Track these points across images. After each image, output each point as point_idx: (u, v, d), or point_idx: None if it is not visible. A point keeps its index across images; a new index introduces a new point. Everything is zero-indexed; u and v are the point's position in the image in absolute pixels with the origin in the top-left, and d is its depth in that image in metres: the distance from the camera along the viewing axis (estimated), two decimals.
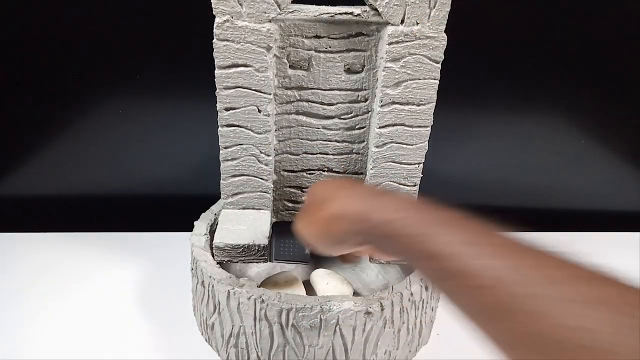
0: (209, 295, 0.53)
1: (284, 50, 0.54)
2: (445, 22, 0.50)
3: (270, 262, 0.58)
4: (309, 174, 0.61)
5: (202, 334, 0.59)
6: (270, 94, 0.53)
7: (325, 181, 0.47)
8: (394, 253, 0.35)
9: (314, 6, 0.51)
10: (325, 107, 0.57)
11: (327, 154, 0.60)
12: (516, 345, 0.26)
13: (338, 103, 0.57)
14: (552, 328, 0.24)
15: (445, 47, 0.51)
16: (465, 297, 0.29)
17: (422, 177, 0.60)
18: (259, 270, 0.69)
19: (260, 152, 0.56)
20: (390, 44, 0.51)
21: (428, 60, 0.52)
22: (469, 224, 0.32)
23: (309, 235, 0.42)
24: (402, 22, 0.50)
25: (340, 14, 0.51)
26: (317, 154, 0.60)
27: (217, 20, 0.49)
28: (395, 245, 0.34)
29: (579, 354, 0.23)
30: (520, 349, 0.26)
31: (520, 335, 0.26)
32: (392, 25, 0.50)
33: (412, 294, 0.51)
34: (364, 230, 0.36)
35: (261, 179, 0.58)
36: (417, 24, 0.50)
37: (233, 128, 0.54)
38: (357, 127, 0.59)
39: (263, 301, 0.48)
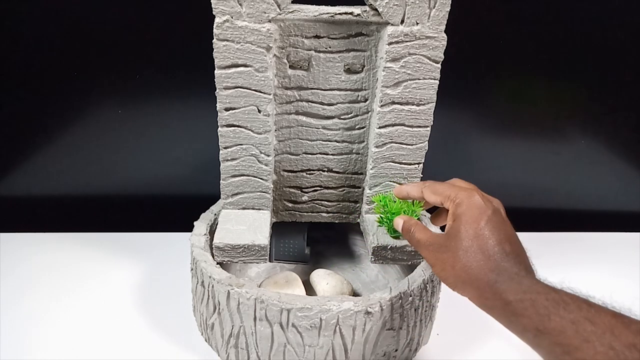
0: (208, 295, 0.53)
1: (283, 50, 0.54)
2: (445, 22, 0.50)
3: (270, 262, 0.58)
4: (309, 174, 0.61)
5: (202, 334, 0.59)
6: (269, 94, 0.53)
7: (473, 202, 0.43)
8: (507, 323, 0.38)
9: (314, 6, 0.51)
10: (325, 107, 0.57)
11: (327, 154, 0.60)
12: None
13: (338, 103, 0.57)
14: None
15: (445, 47, 0.51)
16: None
17: (421, 177, 0.60)
18: (259, 270, 0.69)
19: (260, 152, 0.56)
20: (390, 43, 0.51)
21: (428, 60, 0.52)
22: (584, 303, 0.35)
23: (438, 268, 0.43)
24: (402, 21, 0.50)
25: (339, 13, 0.51)
26: (316, 153, 0.60)
27: (217, 20, 0.49)
28: (514, 319, 0.37)
29: None
30: None
31: None
32: (392, 25, 0.50)
33: (411, 294, 0.51)
34: (489, 303, 0.39)
35: (261, 178, 0.58)
36: (417, 23, 0.50)
37: (233, 128, 0.54)
38: (357, 127, 0.59)
39: (263, 301, 0.48)
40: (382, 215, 0.55)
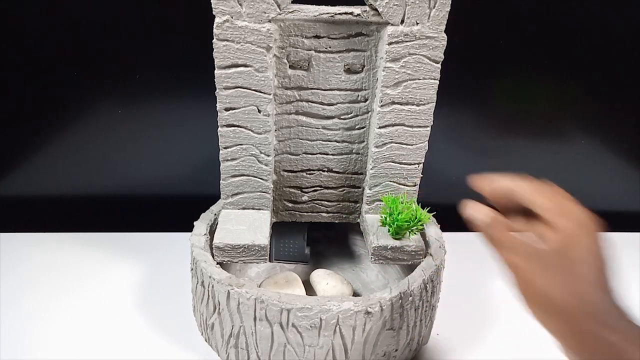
0: (208, 295, 0.53)
1: (283, 50, 0.54)
2: (445, 22, 0.50)
3: (270, 262, 0.58)
4: (309, 174, 0.61)
5: (202, 334, 0.59)
6: (269, 94, 0.53)
7: (593, 229, 0.37)
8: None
9: (314, 6, 0.51)
10: (325, 106, 0.57)
11: (327, 154, 0.60)
12: None
13: (338, 103, 0.57)
14: None
15: (445, 47, 0.51)
16: None
17: (422, 177, 0.60)
18: (259, 270, 0.69)
19: (260, 152, 0.56)
20: (390, 43, 0.51)
21: (428, 60, 0.52)
22: None
23: (515, 274, 0.36)
24: (402, 21, 0.50)
25: (339, 13, 0.51)
26: (316, 153, 0.60)
27: (217, 20, 0.49)
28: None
29: None
30: None
31: None
32: (392, 25, 0.50)
33: (411, 294, 0.51)
34: (583, 340, 0.33)
35: (261, 178, 0.58)
36: (417, 23, 0.50)
37: (233, 128, 0.54)
38: (357, 126, 0.59)
39: (263, 301, 0.48)
40: (386, 216, 0.55)
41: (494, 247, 0.38)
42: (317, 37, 0.53)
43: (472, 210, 0.41)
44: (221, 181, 0.58)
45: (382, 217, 0.56)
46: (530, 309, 0.36)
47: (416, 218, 0.54)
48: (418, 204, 0.60)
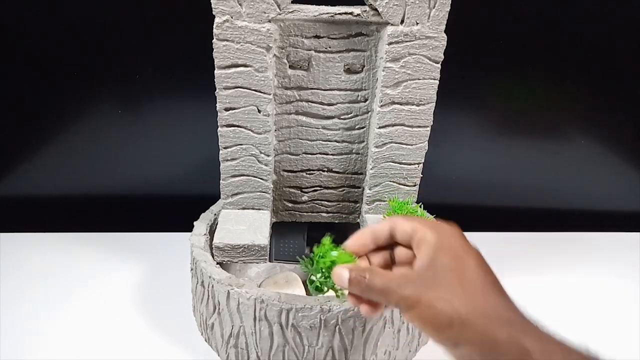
0: (208, 295, 0.53)
1: (283, 50, 0.54)
2: (445, 22, 0.50)
3: (270, 262, 0.58)
4: (309, 174, 0.61)
5: (202, 334, 0.59)
6: (269, 94, 0.53)
7: (457, 233, 0.37)
8: None
9: (314, 6, 0.51)
10: (325, 106, 0.57)
11: (327, 154, 0.60)
12: None
13: (337, 103, 0.57)
14: None
15: (444, 47, 0.51)
16: None
17: (421, 177, 0.60)
18: (259, 270, 0.69)
19: (260, 152, 0.56)
20: (390, 43, 0.51)
21: (427, 60, 0.52)
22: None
23: (424, 307, 0.34)
24: (402, 21, 0.50)
25: (339, 13, 0.51)
26: (316, 153, 0.60)
27: (217, 20, 0.49)
28: None
29: None
30: None
31: None
32: (392, 25, 0.50)
33: None
34: (500, 349, 0.31)
35: (261, 178, 0.58)
36: (417, 23, 0.50)
37: (232, 128, 0.54)
38: (357, 126, 0.59)
39: (263, 301, 0.48)
40: (312, 266, 0.44)
41: (380, 296, 0.36)
42: (317, 37, 0.53)
43: (337, 276, 0.38)
44: (221, 181, 0.58)
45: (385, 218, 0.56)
46: (436, 329, 0.33)
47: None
48: (419, 204, 0.60)
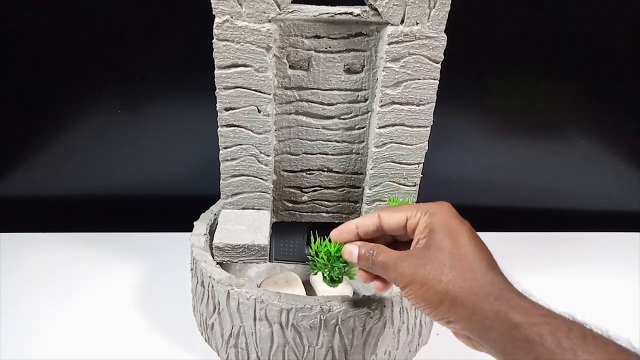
0: (208, 295, 0.53)
1: (283, 50, 0.54)
2: (445, 22, 0.50)
3: (270, 262, 0.58)
4: (309, 174, 0.61)
5: (202, 334, 0.59)
6: (269, 94, 0.53)
7: (451, 212, 0.38)
8: (509, 351, 0.32)
9: (314, 6, 0.51)
10: (325, 106, 0.57)
11: (327, 154, 0.60)
12: None
13: (337, 103, 0.57)
14: None
15: (444, 47, 0.51)
16: None
17: (421, 177, 0.60)
18: (259, 270, 0.69)
19: (260, 152, 0.56)
20: (390, 43, 0.51)
21: (427, 60, 0.52)
22: (611, 341, 0.31)
23: (418, 287, 0.36)
24: (402, 21, 0.50)
25: (339, 13, 0.51)
26: (316, 153, 0.60)
27: (217, 20, 0.49)
28: (523, 346, 0.31)
29: None
30: None
31: None
32: (392, 25, 0.50)
33: None
34: (487, 324, 0.32)
35: (261, 178, 0.58)
36: (417, 23, 0.50)
37: (232, 128, 0.54)
38: (357, 126, 0.59)
39: (263, 301, 0.48)
40: (319, 262, 0.47)
41: (382, 272, 0.39)
42: (317, 37, 0.53)
43: (346, 252, 0.41)
44: (221, 181, 0.58)
45: None
46: (430, 306, 0.35)
47: None
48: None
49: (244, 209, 0.60)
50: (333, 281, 0.45)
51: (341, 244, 0.42)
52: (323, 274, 0.46)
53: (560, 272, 0.74)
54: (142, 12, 0.68)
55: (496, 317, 0.32)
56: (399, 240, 0.42)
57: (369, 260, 0.39)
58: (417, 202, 0.61)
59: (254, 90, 0.52)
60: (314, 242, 0.45)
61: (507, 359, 0.32)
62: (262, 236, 0.55)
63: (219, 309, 0.52)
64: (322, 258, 0.43)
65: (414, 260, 0.36)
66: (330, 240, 0.44)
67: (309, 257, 0.46)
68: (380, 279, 0.40)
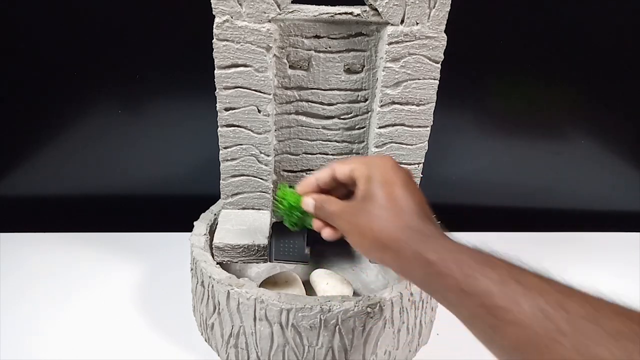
0: (208, 295, 0.53)
1: (283, 50, 0.54)
2: (445, 22, 0.50)
3: (270, 262, 0.58)
4: (309, 174, 0.61)
5: (202, 334, 0.59)
6: (269, 94, 0.53)
7: (387, 163, 0.41)
8: (428, 285, 0.36)
9: (314, 6, 0.51)
10: (325, 106, 0.57)
11: (327, 154, 0.60)
12: None
13: (337, 103, 0.57)
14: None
15: (444, 47, 0.51)
16: (498, 333, 0.31)
17: (422, 177, 0.60)
18: (259, 270, 0.69)
19: (260, 152, 0.56)
20: (390, 43, 0.51)
21: (427, 60, 0.52)
22: (509, 264, 0.33)
23: (355, 235, 0.41)
24: (402, 21, 0.50)
25: (339, 13, 0.51)
26: (316, 153, 0.60)
27: (217, 20, 0.49)
28: (437, 280, 0.34)
29: None
30: None
31: None
32: (392, 25, 0.50)
33: (411, 294, 0.51)
34: (410, 264, 0.36)
35: (261, 178, 0.58)
36: (417, 23, 0.50)
37: (232, 128, 0.54)
38: (357, 126, 0.59)
39: (262, 301, 0.48)
40: (280, 208, 0.51)
41: (331, 220, 0.43)
42: (317, 37, 0.53)
43: (305, 203, 0.46)
44: (221, 181, 0.58)
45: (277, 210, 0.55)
46: (366, 252, 0.40)
47: None
48: None
49: (244, 209, 0.60)
50: (292, 225, 0.50)
51: (301, 196, 0.47)
52: (284, 218, 0.51)
53: (560, 272, 0.74)
54: (142, 12, 0.68)
55: (415, 257, 0.35)
56: (353, 192, 0.45)
57: (322, 210, 0.44)
58: None
59: (254, 90, 0.52)
60: (281, 193, 0.49)
61: (432, 294, 0.36)
62: (262, 236, 0.55)
63: (219, 309, 0.52)
64: (284, 206, 0.49)
65: (352, 211, 0.41)
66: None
67: (274, 201, 0.50)
68: (331, 227, 0.44)
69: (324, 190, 0.46)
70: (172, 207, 0.82)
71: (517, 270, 0.32)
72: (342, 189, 0.45)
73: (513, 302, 0.30)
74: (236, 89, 0.52)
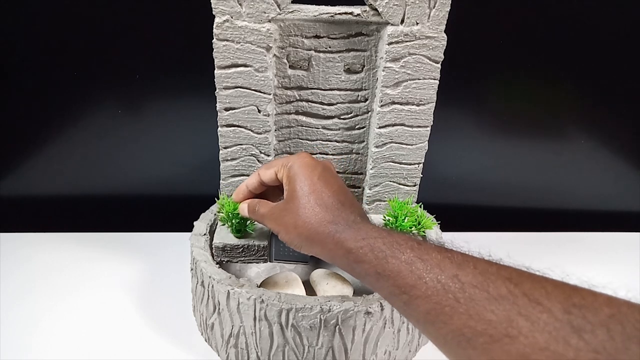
0: (208, 295, 0.53)
1: (283, 50, 0.54)
2: (445, 22, 0.50)
3: (270, 262, 0.57)
4: None
5: (202, 334, 0.59)
6: (269, 94, 0.53)
7: (304, 162, 0.44)
8: (351, 271, 0.39)
9: (314, 6, 0.51)
10: (325, 106, 0.57)
11: (327, 154, 0.60)
12: (451, 344, 0.32)
13: (337, 103, 0.57)
14: (473, 325, 0.30)
15: (444, 47, 0.51)
16: (411, 307, 0.34)
17: (421, 177, 0.60)
18: (259, 270, 0.69)
19: (260, 151, 0.56)
20: (390, 43, 0.51)
21: (427, 60, 0.52)
22: (415, 243, 0.37)
23: (283, 233, 0.44)
24: (402, 21, 0.50)
25: (339, 13, 0.51)
26: (316, 153, 0.60)
27: (217, 20, 0.49)
28: (357, 266, 0.38)
29: (503, 344, 0.28)
30: (453, 347, 0.32)
31: (454, 336, 0.31)
32: (392, 25, 0.50)
33: None
34: (333, 254, 0.40)
35: None
36: (417, 23, 0.50)
37: (232, 128, 0.54)
38: (357, 126, 0.59)
39: (262, 301, 0.48)
40: (390, 219, 0.56)
41: (263, 222, 0.47)
42: (317, 37, 0.53)
43: (240, 209, 0.50)
44: (221, 181, 0.58)
45: (385, 219, 0.56)
46: (298, 247, 0.43)
47: (419, 224, 0.54)
48: (419, 204, 0.60)
49: None
50: (236, 232, 0.54)
51: (237, 203, 0.51)
52: (232, 227, 0.55)
53: (560, 272, 0.74)
54: (142, 12, 0.68)
55: (337, 247, 0.39)
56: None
57: (255, 214, 0.48)
58: (417, 202, 0.61)
59: (254, 90, 0.52)
60: (220, 202, 0.54)
61: (358, 279, 0.39)
62: (262, 236, 0.55)
63: (219, 309, 0.52)
64: (224, 214, 0.53)
65: (278, 212, 0.44)
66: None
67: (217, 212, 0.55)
68: None
69: (258, 195, 0.50)
70: (172, 207, 0.82)
71: (421, 248, 0.36)
72: (278, 191, 0.48)
73: (418, 278, 0.34)
74: (236, 89, 0.52)
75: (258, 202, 0.48)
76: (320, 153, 0.60)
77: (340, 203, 0.41)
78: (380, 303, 0.49)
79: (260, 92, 0.52)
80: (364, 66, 0.55)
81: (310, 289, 0.65)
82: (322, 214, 0.41)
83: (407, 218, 0.54)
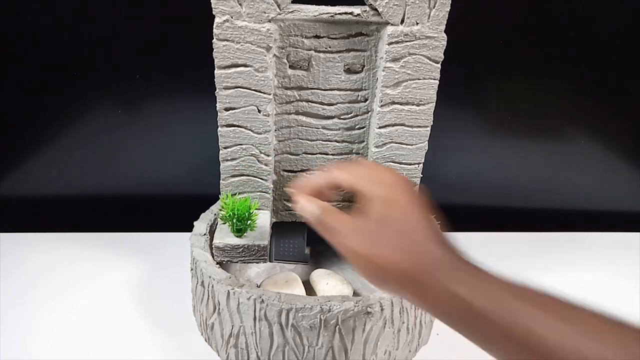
0: (208, 295, 0.53)
1: (283, 50, 0.54)
2: (445, 22, 0.50)
3: (270, 262, 0.58)
4: (309, 174, 0.61)
5: (202, 334, 0.59)
6: (269, 94, 0.53)
7: (401, 184, 0.37)
8: (454, 324, 0.33)
9: (314, 6, 0.51)
10: (325, 106, 0.57)
11: (327, 154, 0.60)
12: None
13: (337, 103, 0.57)
14: None
15: (444, 47, 0.51)
16: None
17: (421, 177, 0.60)
18: (259, 270, 0.69)
19: (260, 151, 0.56)
20: (390, 43, 0.51)
21: (427, 60, 0.52)
22: (540, 297, 0.31)
23: (356, 259, 0.36)
24: (402, 21, 0.50)
25: (339, 13, 0.51)
26: (316, 153, 0.60)
27: (217, 19, 0.49)
28: (468, 320, 0.32)
29: None
30: None
31: None
32: (392, 25, 0.50)
33: None
34: (443, 303, 0.33)
35: (261, 178, 0.58)
36: (417, 23, 0.50)
37: (232, 128, 0.54)
38: (357, 126, 0.59)
39: (263, 301, 0.48)
40: (226, 215, 0.53)
41: (326, 236, 0.39)
42: (317, 37, 0.53)
43: (302, 204, 0.41)
44: (221, 181, 0.58)
45: (222, 215, 0.55)
46: (376, 283, 0.36)
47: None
48: None
49: None
50: (236, 231, 0.54)
51: (247, 209, 0.51)
52: (233, 227, 0.54)
53: (560, 272, 0.74)
54: (142, 12, 0.68)
55: (440, 290, 0.33)
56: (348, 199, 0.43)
57: (322, 224, 0.39)
58: None
59: (254, 90, 0.52)
60: (226, 201, 0.52)
61: (465, 334, 0.34)
62: (262, 236, 0.55)
63: (219, 309, 0.52)
64: (228, 213, 0.51)
65: (365, 235, 0.36)
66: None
67: (220, 208, 0.54)
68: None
69: (316, 195, 0.42)
70: (172, 207, 0.82)
71: (554, 302, 0.30)
72: (328, 195, 0.42)
73: (562, 341, 0.28)
74: (236, 89, 0.52)
75: (333, 212, 0.39)
76: (320, 153, 0.60)
77: (446, 242, 0.35)
78: (380, 303, 0.49)
79: (260, 92, 0.52)
80: (364, 66, 0.55)
81: (310, 289, 0.65)
82: (430, 248, 0.34)
83: None
